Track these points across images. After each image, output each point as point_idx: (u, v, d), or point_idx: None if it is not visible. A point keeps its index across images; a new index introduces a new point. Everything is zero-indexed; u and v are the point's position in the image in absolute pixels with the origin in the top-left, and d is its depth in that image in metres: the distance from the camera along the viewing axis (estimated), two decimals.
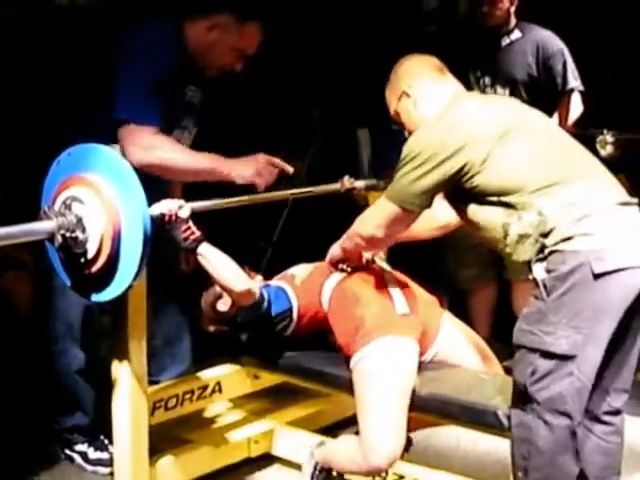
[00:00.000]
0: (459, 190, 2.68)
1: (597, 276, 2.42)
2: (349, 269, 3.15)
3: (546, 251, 2.51)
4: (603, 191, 2.59)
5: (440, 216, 3.09)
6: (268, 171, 3.18)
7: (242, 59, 3.28)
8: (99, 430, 3.45)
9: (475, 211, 2.67)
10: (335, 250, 3.15)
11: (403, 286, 3.12)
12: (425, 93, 2.88)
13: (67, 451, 3.51)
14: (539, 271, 2.52)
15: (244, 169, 3.16)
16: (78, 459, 3.48)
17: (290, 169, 3.24)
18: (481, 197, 2.63)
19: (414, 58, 2.99)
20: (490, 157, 2.59)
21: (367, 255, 3.21)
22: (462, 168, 2.61)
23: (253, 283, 3.08)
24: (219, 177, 3.16)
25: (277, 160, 3.21)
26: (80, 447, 3.49)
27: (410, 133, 2.92)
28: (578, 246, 2.45)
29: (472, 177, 2.61)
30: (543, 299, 2.49)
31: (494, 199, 2.60)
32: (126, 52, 3.12)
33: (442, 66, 2.95)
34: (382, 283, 3.09)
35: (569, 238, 2.46)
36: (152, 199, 2.78)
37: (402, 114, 2.95)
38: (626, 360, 2.58)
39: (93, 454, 3.47)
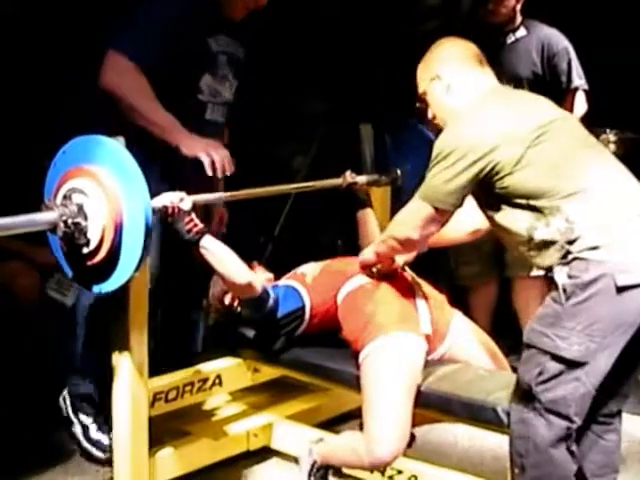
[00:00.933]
0: (487, 190, 2.63)
1: (619, 289, 2.39)
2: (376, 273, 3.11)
3: (570, 257, 2.47)
4: (630, 200, 2.55)
5: (471, 221, 3.02)
6: (218, 154, 3.10)
7: None
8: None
9: (501, 213, 2.63)
10: (369, 254, 3.08)
11: (428, 292, 3.12)
12: (460, 81, 2.79)
13: (71, 415, 3.43)
14: (561, 275, 2.49)
15: (194, 143, 3.11)
16: (78, 430, 3.42)
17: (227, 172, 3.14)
18: (509, 199, 2.59)
19: (456, 42, 2.89)
20: (523, 159, 2.53)
21: (399, 261, 3.18)
22: (494, 168, 2.55)
23: (255, 277, 3.08)
24: (167, 139, 3.12)
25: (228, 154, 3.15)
26: (84, 418, 3.43)
27: (433, 117, 2.87)
28: (603, 256, 2.42)
29: (502, 178, 2.56)
30: (561, 303, 2.47)
31: (522, 202, 2.55)
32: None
33: (482, 57, 2.85)
34: (411, 294, 3.08)
35: (595, 247, 2.43)
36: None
37: (430, 96, 2.86)
38: (632, 370, 2.57)
39: (95, 433, 3.42)
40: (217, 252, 2.96)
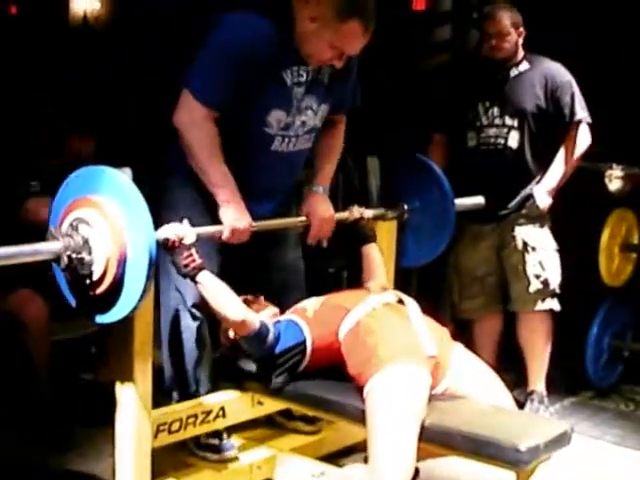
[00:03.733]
0: None
1: None
2: None
3: None
4: None
5: None
6: (242, 229, 3.18)
7: (341, 58, 3.22)
8: None
9: None
10: None
11: (430, 326, 3.10)
12: None
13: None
14: None
15: (234, 213, 3.17)
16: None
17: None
18: None
19: None
20: None
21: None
22: None
23: (250, 315, 3.08)
24: (213, 193, 3.19)
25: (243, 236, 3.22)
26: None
27: None
28: None
29: None
30: None
31: None
32: (220, 27, 3.16)
33: None
34: (407, 321, 3.07)
35: None
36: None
37: None
38: None
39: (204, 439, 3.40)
40: (212, 289, 2.99)
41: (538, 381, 4.41)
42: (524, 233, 4.33)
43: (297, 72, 3.23)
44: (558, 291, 4.34)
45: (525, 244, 4.32)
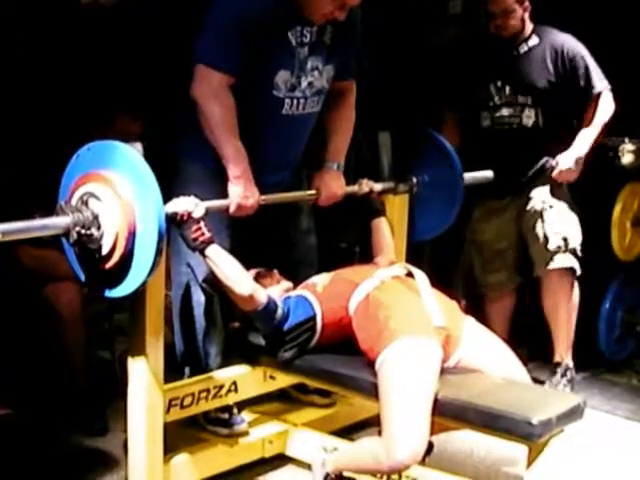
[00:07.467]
0: None
1: None
2: None
3: None
4: None
5: None
6: (248, 206, 3.20)
7: (343, 9, 3.22)
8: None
9: None
10: None
11: (439, 299, 3.10)
12: None
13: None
14: None
15: (243, 190, 3.18)
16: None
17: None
18: None
19: None
20: None
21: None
22: None
23: (258, 290, 3.08)
24: (225, 165, 3.20)
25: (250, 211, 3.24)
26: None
27: None
28: None
29: None
30: None
31: None
32: None
33: None
34: (416, 293, 3.08)
35: None
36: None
37: None
38: None
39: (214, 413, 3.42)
40: (220, 262, 2.99)
41: (564, 352, 4.32)
42: (542, 193, 4.24)
43: (301, 32, 3.24)
44: (579, 252, 4.24)
45: (543, 202, 4.23)
